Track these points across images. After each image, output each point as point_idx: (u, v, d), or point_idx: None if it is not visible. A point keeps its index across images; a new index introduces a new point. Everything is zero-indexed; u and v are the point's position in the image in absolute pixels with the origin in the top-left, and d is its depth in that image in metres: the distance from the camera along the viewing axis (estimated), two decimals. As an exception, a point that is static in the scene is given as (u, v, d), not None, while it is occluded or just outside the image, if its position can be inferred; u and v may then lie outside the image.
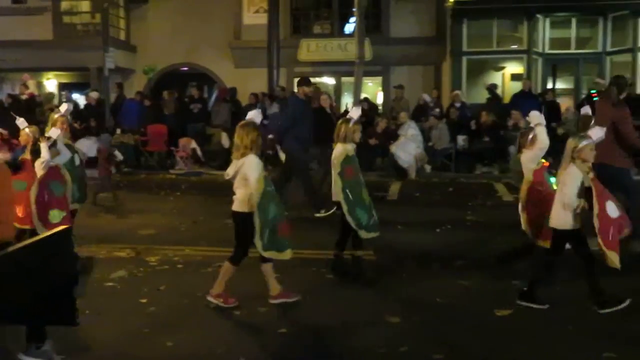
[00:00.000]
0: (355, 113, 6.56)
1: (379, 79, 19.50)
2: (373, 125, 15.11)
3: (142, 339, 4.98)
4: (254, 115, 5.61)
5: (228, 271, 5.57)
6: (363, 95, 17.16)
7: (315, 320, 5.39)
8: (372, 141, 14.35)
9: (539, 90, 16.93)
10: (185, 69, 20.22)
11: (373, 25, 18.42)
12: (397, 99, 16.68)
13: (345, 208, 6.23)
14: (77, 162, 7.42)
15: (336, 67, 18.79)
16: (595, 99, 14.79)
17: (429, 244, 7.88)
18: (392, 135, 14.35)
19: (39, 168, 6.41)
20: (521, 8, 17.23)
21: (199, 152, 15.34)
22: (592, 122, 7.07)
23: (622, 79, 8.05)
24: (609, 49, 17.79)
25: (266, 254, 5.45)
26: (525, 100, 14.89)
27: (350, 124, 6.36)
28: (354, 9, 16.45)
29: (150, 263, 7.03)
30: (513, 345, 4.79)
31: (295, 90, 10.81)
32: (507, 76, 18.93)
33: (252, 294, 5.76)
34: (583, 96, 16.23)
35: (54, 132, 6.67)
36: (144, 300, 5.79)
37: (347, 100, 18.62)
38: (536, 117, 6.11)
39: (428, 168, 14.35)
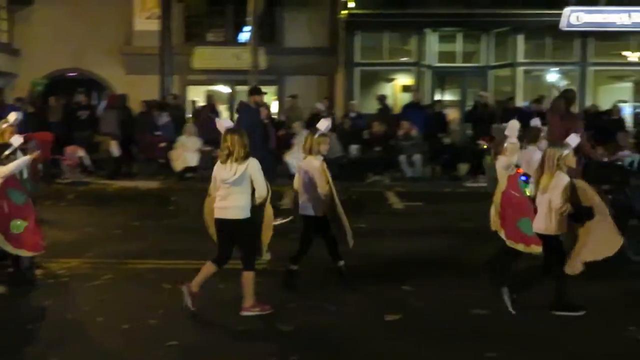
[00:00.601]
0: (322, 125, 6.44)
1: (274, 88, 19.55)
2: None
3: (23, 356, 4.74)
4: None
5: (249, 281, 5.50)
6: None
7: (204, 333, 5.32)
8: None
9: (428, 102, 17.54)
10: (73, 74, 19.43)
11: (267, 35, 18.46)
12: (291, 109, 16.76)
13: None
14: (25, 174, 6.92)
15: (230, 76, 18.68)
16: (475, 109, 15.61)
17: (322, 252, 7.92)
18: (286, 144, 14.41)
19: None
20: (411, 22, 17.82)
21: (86, 160, 14.78)
22: (542, 134, 7.43)
23: (571, 92, 8.37)
24: (491, 63, 18.72)
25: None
26: (415, 111, 15.42)
27: (316, 136, 6.33)
28: (248, 18, 16.48)
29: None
30: (403, 348, 4.91)
31: (246, 99, 10.63)
32: (398, 87, 19.50)
33: (143, 305, 5.61)
34: (468, 108, 16.98)
35: (16, 140, 6.33)
36: (26, 316, 5.51)
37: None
38: (513, 128, 6.37)
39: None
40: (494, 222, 6.39)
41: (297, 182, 6.52)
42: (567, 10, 17.11)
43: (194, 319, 5.48)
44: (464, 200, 11.50)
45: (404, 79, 19.21)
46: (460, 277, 6.66)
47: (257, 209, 5.59)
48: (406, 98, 17.65)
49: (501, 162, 6.39)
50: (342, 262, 6.46)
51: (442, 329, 5.28)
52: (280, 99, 19.08)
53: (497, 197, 6.30)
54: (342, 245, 6.43)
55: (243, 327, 5.32)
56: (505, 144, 6.38)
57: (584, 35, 17.80)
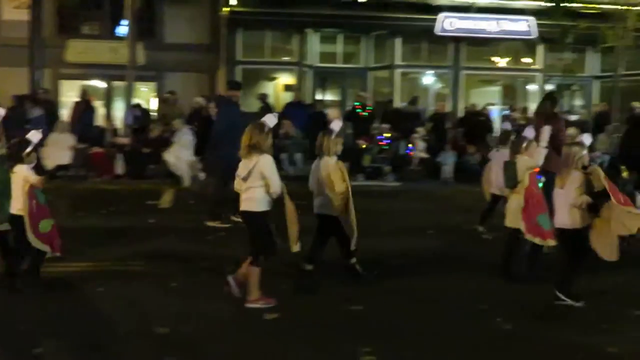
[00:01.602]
0: (336, 125, 6.51)
1: (153, 85, 19.05)
2: (145, 131, 14.72)
3: None
4: (268, 119, 5.76)
5: (255, 275, 5.61)
6: (135, 101, 16.67)
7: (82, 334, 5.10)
8: (145, 149, 13.98)
9: (309, 101, 17.72)
10: None
11: (146, 30, 17.94)
12: (170, 105, 16.34)
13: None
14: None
15: (106, 71, 17.98)
16: (358, 110, 15.98)
17: (201, 251, 7.83)
18: (165, 142, 14.07)
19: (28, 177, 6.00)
20: (292, 22, 17.93)
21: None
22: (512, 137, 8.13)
23: (553, 95, 8.93)
24: (371, 64, 19.20)
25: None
26: (296, 110, 15.55)
27: (332, 137, 6.42)
28: (125, 11, 15.96)
29: None
30: (280, 347, 4.92)
31: (224, 93, 10.57)
32: (280, 86, 19.58)
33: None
34: (349, 108, 17.32)
35: (35, 136, 6.18)
36: None
37: (119, 106, 17.92)
38: (545, 133, 6.86)
39: (202, 175, 14.26)
40: (513, 218, 6.69)
41: (311, 183, 6.57)
42: (441, 16, 17.85)
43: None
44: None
45: (285, 78, 19.31)
46: (338, 274, 6.72)
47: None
48: (288, 97, 17.76)
49: (527, 162, 6.73)
50: (354, 260, 6.57)
51: (318, 325, 5.33)
52: (159, 95, 18.60)
53: (521, 194, 6.60)
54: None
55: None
56: (524, 144, 6.84)
57: (457, 41, 18.64)
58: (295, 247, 5.95)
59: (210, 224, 9.43)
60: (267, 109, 16.34)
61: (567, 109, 18.91)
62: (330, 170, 6.36)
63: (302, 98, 16.81)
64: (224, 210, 9.49)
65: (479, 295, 6.21)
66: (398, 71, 18.77)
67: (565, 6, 14.86)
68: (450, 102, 18.81)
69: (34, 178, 6.07)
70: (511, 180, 6.83)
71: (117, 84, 17.91)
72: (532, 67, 19.73)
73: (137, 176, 14.13)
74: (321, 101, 17.82)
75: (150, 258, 7.31)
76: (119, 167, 14.50)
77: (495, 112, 18.62)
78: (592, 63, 20.09)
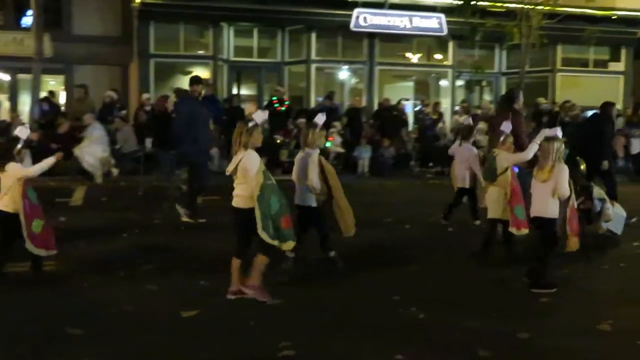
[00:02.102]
0: (320, 119, 6.68)
1: (61, 78, 18.37)
2: (54, 126, 14.19)
3: None
4: (257, 115, 5.84)
5: (262, 263, 5.68)
6: (43, 94, 16.03)
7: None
8: (54, 145, 13.44)
9: (225, 96, 17.56)
10: None
11: (53, 20, 17.23)
12: (80, 99, 15.80)
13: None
14: None
15: (11, 63, 17.21)
16: (276, 105, 15.96)
17: (115, 250, 7.64)
18: (76, 137, 13.61)
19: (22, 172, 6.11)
20: (206, 15, 17.69)
21: None
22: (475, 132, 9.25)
23: (515, 91, 9.48)
24: (287, 59, 19.21)
25: (271, 242, 5.54)
26: (211, 105, 15.33)
27: (317, 130, 6.59)
28: (31, 1, 15.30)
29: None
30: (202, 345, 4.87)
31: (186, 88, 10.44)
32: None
33: None
34: (265, 102, 17.27)
35: (22, 132, 6.19)
36: None
37: (25, 99, 17.18)
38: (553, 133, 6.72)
39: (116, 172, 13.91)
40: (493, 209, 7.18)
41: (294, 174, 6.78)
42: (356, 11, 18.07)
43: None
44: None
45: (200, 72, 19.01)
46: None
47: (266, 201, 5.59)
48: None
49: (507, 157, 7.12)
50: (333, 253, 6.82)
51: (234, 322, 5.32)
52: (68, 89, 17.97)
53: (502, 187, 7.07)
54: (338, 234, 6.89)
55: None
56: (502, 139, 7.22)
57: (371, 36, 18.93)
58: (348, 233, 6.83)
59: (186, 220, 9.38)
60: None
61: (477, 104, 19.58)
62: (311, 162, 6.55)
63: (218, 92, 16.57)
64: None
65: (393, 286, 6.34)
66: (314, 66, 18.88)
67: (474, 4, 15.30)
68: (365, 97, 19.08)
69: (28, 170, 6.24)
70: (491, 173, 7.19)
71: (23, 76, 17.17)
72: (444, 63, 20.31)
73: (45, 173, 13.55)
74: (237, 95, 17.68)
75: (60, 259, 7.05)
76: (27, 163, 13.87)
77: (409, 107, 19.05)
78: (500, 60, 20.90)
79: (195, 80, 10.00)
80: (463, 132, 9.46)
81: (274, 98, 16.34)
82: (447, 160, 15.76)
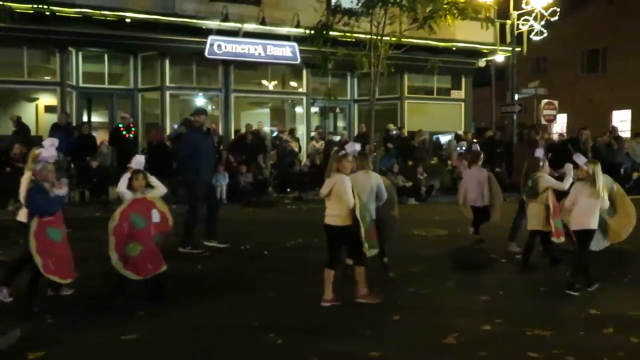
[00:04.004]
0: (350, 148, 6.66)
1: None
2: None
3: None
4: (349, 146, 6.56)
5: (361, 273, 6.52)
6: None
7: None
8: None
9: (75, 123, 16.84)
10: None
11: None
12: None
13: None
14: None
15: None
16: (124, 132, 15.44)
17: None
18: None
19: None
20: (52, 40, 16.95)
21: None
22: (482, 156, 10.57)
23: (533, 126, 11.83)
24: (140, 86, 18.80)
25: (369, 253, 6.48)
26: (62, 132, 14.67)
27: (348, 158, 6.59)
28: None
29: None
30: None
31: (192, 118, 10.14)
32: (42, 107, 18.38)
33: None
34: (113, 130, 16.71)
35: (137, 162, 6.65)
36: None
37: None
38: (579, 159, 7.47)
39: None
40: (534, 222, 8.23)
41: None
42: (210, 38, 18.08)
43: None
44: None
45: (47, 99, 18.18)
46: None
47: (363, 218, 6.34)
48: (52, 119, 16.69)
49: (556, 183, 8.26)
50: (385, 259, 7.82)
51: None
52: None
53: (542, 204, 8.16)
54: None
55: None
56: (541, 164, 8.34)
57: (227, 64, 19.00)
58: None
59: (183, 250, 9.15)
60: (22, 131, 15.27)
61: (331, 130, 20.17)
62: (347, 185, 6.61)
63: (66, 120, 15.79)
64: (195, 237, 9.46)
65: (250, 313, 6.35)
66: (168, 92, 18.63)
67: (325, 34, 15.80)
68: (221, 124, 19.07)
69: None
70: (534, 192, 8.22)
71: None
72: (298, 90, 20.78)
73: None
74: (88, 123, 17.02)
75: None
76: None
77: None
78: (352, 88, 21.72)
79: (199, 111, 10.05)
80: (472, 157, 10.58)
81: (120, 125, 15.84)
82: (304, 186, 16.23)
